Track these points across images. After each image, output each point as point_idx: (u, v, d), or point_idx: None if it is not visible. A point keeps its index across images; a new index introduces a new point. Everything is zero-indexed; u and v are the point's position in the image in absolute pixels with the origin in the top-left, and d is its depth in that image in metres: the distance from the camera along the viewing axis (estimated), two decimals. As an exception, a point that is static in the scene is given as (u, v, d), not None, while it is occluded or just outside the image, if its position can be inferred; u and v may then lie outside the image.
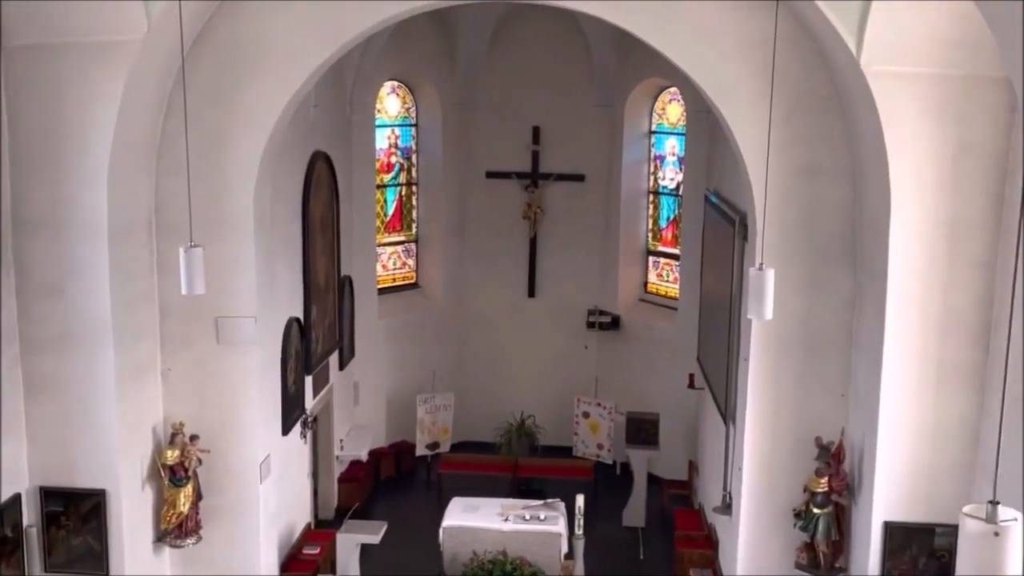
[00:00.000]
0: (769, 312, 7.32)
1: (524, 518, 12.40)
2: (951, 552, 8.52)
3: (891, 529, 9.03)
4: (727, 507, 10.99)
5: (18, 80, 8.79)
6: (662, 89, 15.94)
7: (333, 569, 11.92)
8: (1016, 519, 3.56)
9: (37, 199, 9.01)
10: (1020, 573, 3.62)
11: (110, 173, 8.95)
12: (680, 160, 15.82)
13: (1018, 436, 6.70)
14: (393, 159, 16.40)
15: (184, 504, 10.03)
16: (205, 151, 9.72)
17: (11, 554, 9.06)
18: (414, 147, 16.62)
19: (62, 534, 9.52)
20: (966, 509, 3.64)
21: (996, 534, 3.54)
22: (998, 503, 3.60)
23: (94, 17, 8.56)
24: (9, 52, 8.72)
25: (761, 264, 7.19)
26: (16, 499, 9.15)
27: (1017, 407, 6.99)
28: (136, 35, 8.62)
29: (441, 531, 12.37)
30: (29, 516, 9.37)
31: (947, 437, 8.85)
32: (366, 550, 12.12)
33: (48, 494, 9.44)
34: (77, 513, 9.47)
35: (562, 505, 12.80)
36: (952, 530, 3.64)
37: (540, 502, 12.88)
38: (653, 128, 16.27)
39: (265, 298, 10.56)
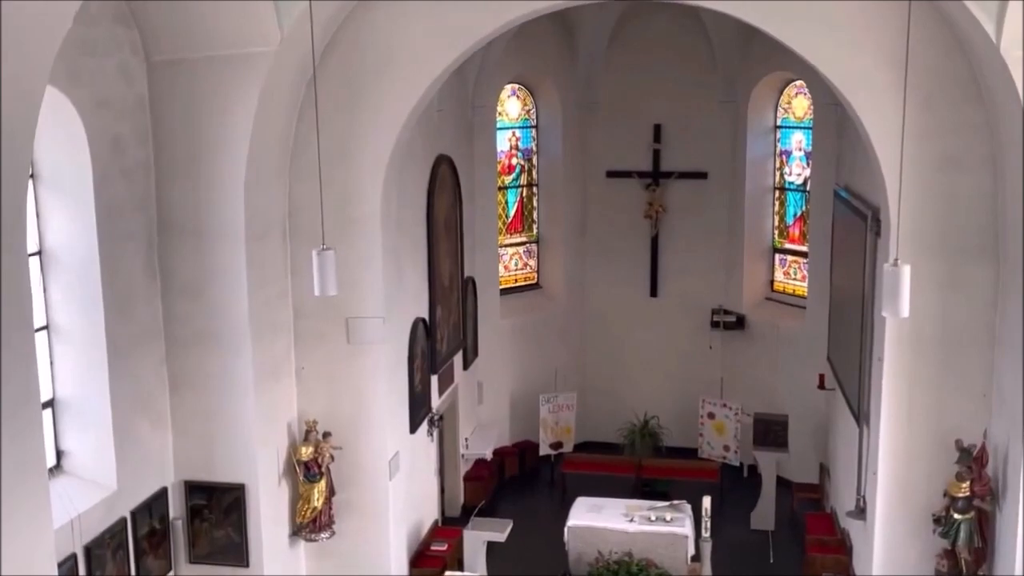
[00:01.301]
0: (905, 310, 7.06)
1: (650, 519, 12.31)
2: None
3: (1039, 536, 8.59)
4: (861, 512, 10.66)
5: (161, 93, 9.25)
6: (788, 82, 15.56)
7: (461, 566, 12.09)
8: None
9: (179, 206, 9.46)
10: None
11: (247, 179, 9.34)
12: (807, 155, 15.42)
13: None
14: (514, 160, 16.53)
15: (318, 499, 10.35)
16: (335, 156, 10.04)
17: (158, 546, 9.54)
18: (534, 148, 16.71)
19: (205, 526, 9.95)
20: None
21: None
22: None
23: (231, 31, 8.94)
24: (152, 67, 9.19)
25: (896, 260, 6.95)
26: (163, 492, 9.64)
27: None
28: (270, 47, 8.96)
29: (566, 530, 12.39)
30: (175, 509, 9.84)
31: (1101, 440, 8.37)
32: (492, 548, 12.26)
33: (192, 488, 9.89)
34: (219, 506, 9.89)
35: (688, 507, 12.64)
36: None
37: (666, 503, 12.75)
38: (779, 123, 15.90)
39: (392, 298, 10.82)
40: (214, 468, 9.85)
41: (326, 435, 10.39)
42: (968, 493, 9.22)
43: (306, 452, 10.26)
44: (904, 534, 9.91)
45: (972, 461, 9.27)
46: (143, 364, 9.34)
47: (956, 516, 9.30)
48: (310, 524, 10.43)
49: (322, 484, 10.36)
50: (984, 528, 9.33)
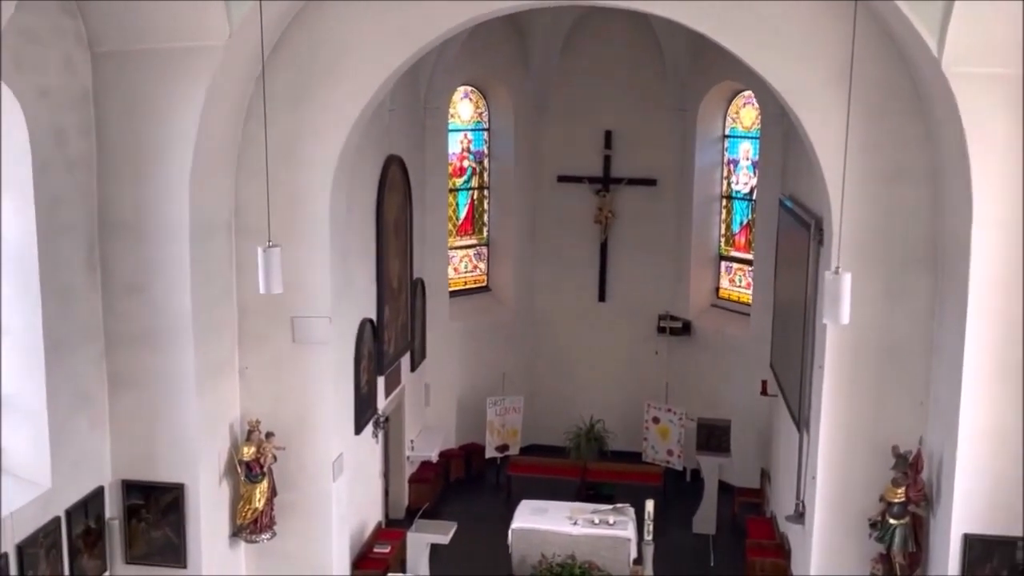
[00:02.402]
0: (846, 317, 7.19)
1: (593, 522, 12.37)
2: (1034, 567, 8.28)
3: (971, 541, 8.79)
4: (800, 516, 10.81)
5: (106, 85, 9.09)
6: (736, 93, 15.77)
7: (403, 568, 12.03)
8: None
9: (122, 201, 9.31)
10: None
11: (192, 176, 9.21)
12: (754, 164, 15.63)
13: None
14: (465, 163, 16.53)
15: (259, 500, 10.24)
16: (283, 154, 9.95)
17: (93, 545, 9.36)
18: (486, 151, 16.72)
19: (142, 527, 9.80)
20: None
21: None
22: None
23: (178, 24, 8.81)
24: (96, 58, 9.03)
25: (838, 268, 7.08)
26: (99, 491, 9.46)
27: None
28: (218, 41, 8.86)
29: (510, 533, 12.40)
30: (111, 508, 9.67)
31: (1031, 448, 8.60)
32: (436, 550, 12.23)
33: (130, 487, 9.73)
34: (157, 506, 9.74)
35: (631, 510, 12.73)
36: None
37: (609, 507, 12.83)
38: (727, 132, 16.10)
39: (339, 298, 10.75)
40: (153, 467, 9.70)
41: (269, 435, 10.29)
42: (903, 498, 9.40)
43: (248, 452, 10.15)
44: (841, 538, 10.08)
45: (908, 467, 9.46)
46: (82, 361, 9.17)
47: (892, 521, 9.48)
48: (251, 525, 10.32)
49: (264, 484, 10.26)
50: (919, 533, 9.53)
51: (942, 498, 9.13)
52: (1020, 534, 8.62)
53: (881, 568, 9.69)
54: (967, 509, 8.79)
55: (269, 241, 7.55)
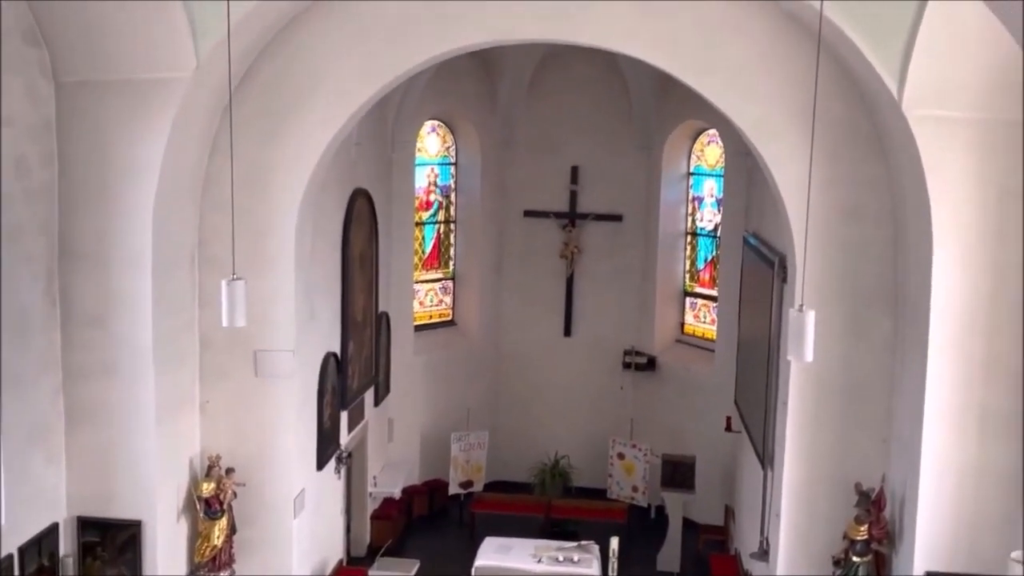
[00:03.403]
0: (810, 354, 7.23)
1: (557, 559, 12.27)
2: (996, 604, 8.31)
3: (933, 579, 8.83)
4: (764, 553, 10.81)
5: (69, 115, 9.01)
6: (701, 131, 15.96)
7: (364, 607, 11.87)
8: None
9: (84, 232, 9.19)
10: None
11: (156, 207, 9.13)
12: (719, 201, 15.79)
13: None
14: (432, 197, 16.53)
15: (218, 537, 10.06)
16: (249, 187, 9.90)
17: (47, 583, 9.13)
18: (453, 185, 16.75)
19: (98, 565, 9.56)
20: (1015, 555, 3.54)
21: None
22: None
23: (144, 54, 8.78)
24: (61, 87, 8.95)
25: (801, 305, 7.13)
26: (53, 528, 9.22)
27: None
28: (185, 73, 8.82)
29: (473, 571, 12.26)
30: (66, 546, 9.43)
31: (991, 485, 8.68)
32: (398, 588, 12.08)
33: (85, 524, 9.50)
34: (113, 544, 9.53)
35: (596, 547, 12.65)
36: (997, 581, 3.58)
37: (573, 544, 12.74)
38: (692, 170, 16.27)
39: (303, 332, 10.66)
40: (110, 504, 9.49)
41: (229, 471, 10.12)
42: (866, 536, 9.43)
43: (207, 488, 9.97)
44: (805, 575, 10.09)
45: (871, 504, 9.50)
46: (38, 394, 8.98)
47: (855, 558, 9.50)
48: (209, 563, 10.12)
49: (223, 521, 10.08)
50: (881, 570, 9.55)
51: (904, 535, 9.17)
52: (982, 572, 8.66)
53: (845, 606, 9.70)
54: (929, 547, 8.83)
55: (233, 274, 7.47)
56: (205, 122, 9.64)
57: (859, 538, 9.45)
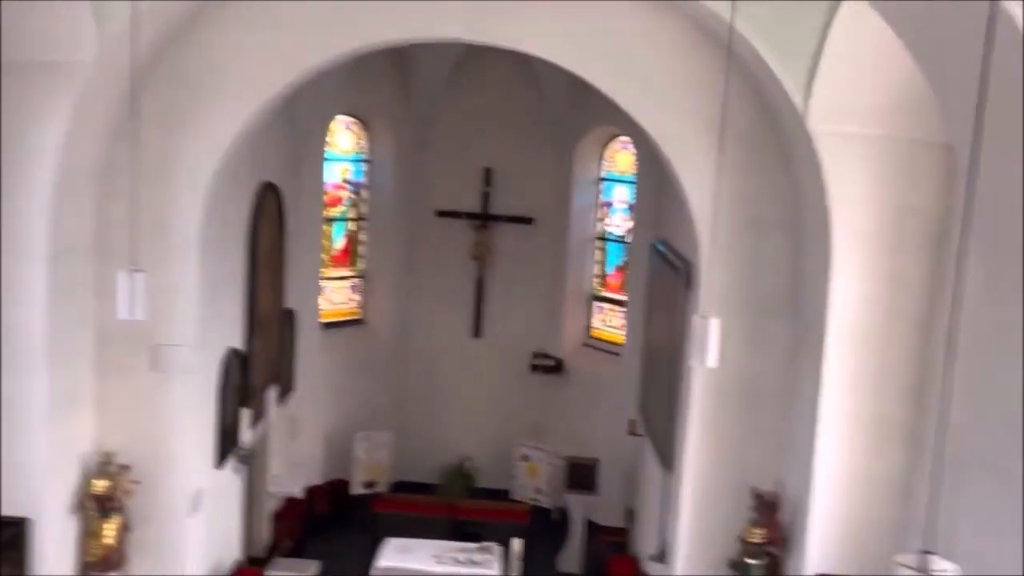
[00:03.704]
0: (713, 360, 7.37)
1: (459, 561, 12.26)
2: (881, 606, 8.58)
3: (824, 582, 9.08)
4: (662, 556, 10.98)
5: (-38, 95, 8.61)
6: (613, 137, 16.14)
7: (262, 608, 11.65)
8: (948, 571, 3.60)
9: (-26, 216, 8.79)
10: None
11: (52, 194, 8.78)
12: (629, 207, 15.99)
13: (949, 492, 6.81)
14: (343, 193, 16.34)
15: (111, 536, 9.74)
16: (152, 177, 9.59)
17: (-77, 584, 8.72)
18: (365, 182, 16.58)
19: (-21, 563, 9.18)
20: (898, 557, 3.67)
21: (926, 587, 3.58)
22: (932, 552, 3.64)
23: (44, 35, 8.43)
24: (-46, 67, 8.55)
25: (705, 312, 7.27)
26: (-68, 526, 8.82)
27: (949, 465, 7.11)
28: (87, 56, 8.51)
29: (373, 572, 12.16)
30: (-55, 544, 9.03)
31: (880, 491, 8.97)
32: (296, 589, 11.88)
33: (-34, 521, 9.11)
34: (-4, 542, 9.15)
35: (497, 549, 12.68)
36: (883, 584, 3.73)
37: (475, 545, 12.75)
38: (603, 175, 16.45)
39: (205, 327, 10.40)
40: (-6, 501, 9.11)
41: (124, 468, 9.82)
42: (761, 539, 9.66)
43: (101, 485, 9.65)
44: (702, 578, 10.27)
45: (766, 508, 9.73)
46: (-81, 385, 8.57)
47: (749, 561, 9.71)
48: (101, 562, 9.78)
49: (117, 520, 9.77)
50: (776, 572, 9.78)
51: (798, 539, 9.41)
52: (869, 573, 8.95)
53: (740, 607, 9.90)
54: (822, 549, 9.08)
55: (133, 264, 7.25)
56: (107, 108, 9.31)
57: (754, 541, 9.67)
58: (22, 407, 9.00)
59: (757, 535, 9.64)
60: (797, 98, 8.56)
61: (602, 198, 16.51)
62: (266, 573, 11.76)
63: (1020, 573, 5.61)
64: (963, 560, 6.21)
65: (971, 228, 4.33)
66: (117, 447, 9.90)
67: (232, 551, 12.66)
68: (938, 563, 3.56)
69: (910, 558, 3.61)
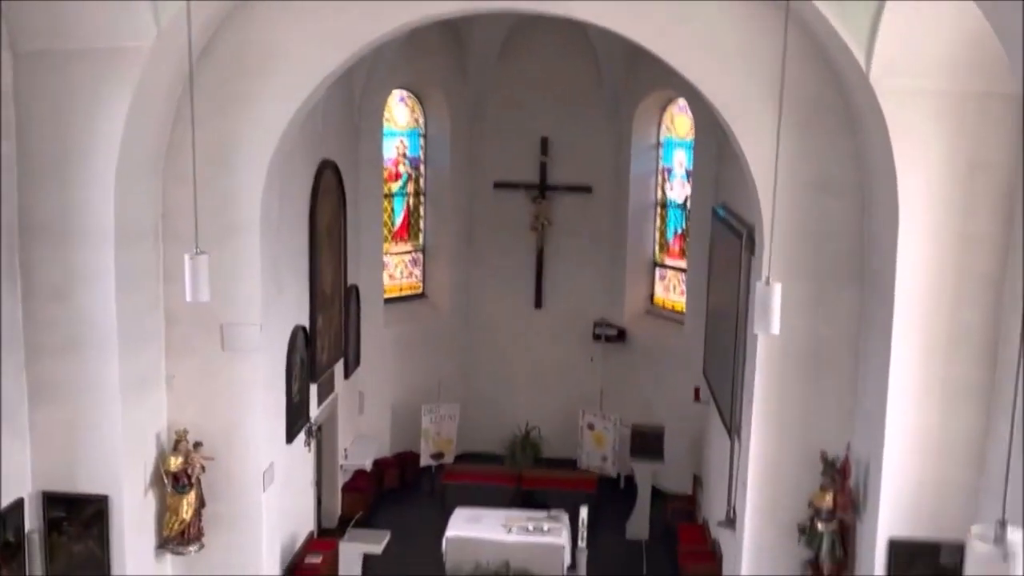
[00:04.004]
0: (776, 327, 7.26)
1: (527, 529, 12.37)
2: (956, 570, 8.44)
3: (896, 546, 8.96)
4: (731, 522, 10.93)
5: (27, 86, 8.81)
6: (671, 101, 15.92)
7: (335, 579, 11.89)
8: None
9: (44, 204, 9.03)
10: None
11: (117, 179, 8.97)
12: (688, 173, 15.80)
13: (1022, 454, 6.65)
14: (401, 168, 16.41)
15: (187, 511, 10.02)
16: (213, 158, 9.75)
17: (12, 559, 9.04)
18: (422, 157, 16.63)
19: (64, 540, 9.50)
20: (974, 530, 3.59)
21: (1005, 558, 3.50)
22: (1007, 523, 3.55)
23: (104, 23, 8.59)
24: (19, 58, 8.75)
25: (768, 278, 7.15)
26: (19, 504, 9.13)
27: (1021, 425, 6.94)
28: (145, 41, 8.65)
29: (444, 541, 12.34)
30: (31, 521, 9.35)
31: (952, 454, 8.80)
32: (369, 560, 12.08)
33: (51, 499, 9.42)
34: (79, 519, 9.46)
35: (565, 517, 12.75)
36: (957, 548, 3.60)
37: (543, 513, 12.83)
38: (661, 140, 16.25)
39: (271, 306, 10.58)
40: (76, 479, 9.41)
41: (197, 445, 10.07)
42: (831, 504, 9.56)
43: (175, 462, 9.92)
44: (771, 543, 10.20)
45: (835, 473, 9.62)
46: (1, 371, 8.84)
47: (820, 526, 9.63)
48: (178, 537, 10.09)
49: (191, 495, 10.03)
50: (846, 537, 9.69)
51: (868, 504, 9.29)
52: (943, 538, 8.81)
53: (810, 573, 9.83)
54: (892, 514, 8.96)
55: (197, 247, 7.37)
56: (167, 92, 9.47)
57: (824, 506, 9.58)
58: (98, 389, 9.28)
59: (827, 500, 9.55)
60: (860, 54, 8.33)
61: (661, 164, 16.32)
62: (339, 543, 11.98)
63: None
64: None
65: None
66: (190, 425, 10.15)
67: (306, 523, 12.94)
68: (1015, 533, 3.47)
69: (986, 529, 3.52)
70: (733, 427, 11.14)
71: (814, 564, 9.76)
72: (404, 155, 16.40)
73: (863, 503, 9.46)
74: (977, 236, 8.50)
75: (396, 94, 16.00)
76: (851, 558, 9.72)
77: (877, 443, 9.01)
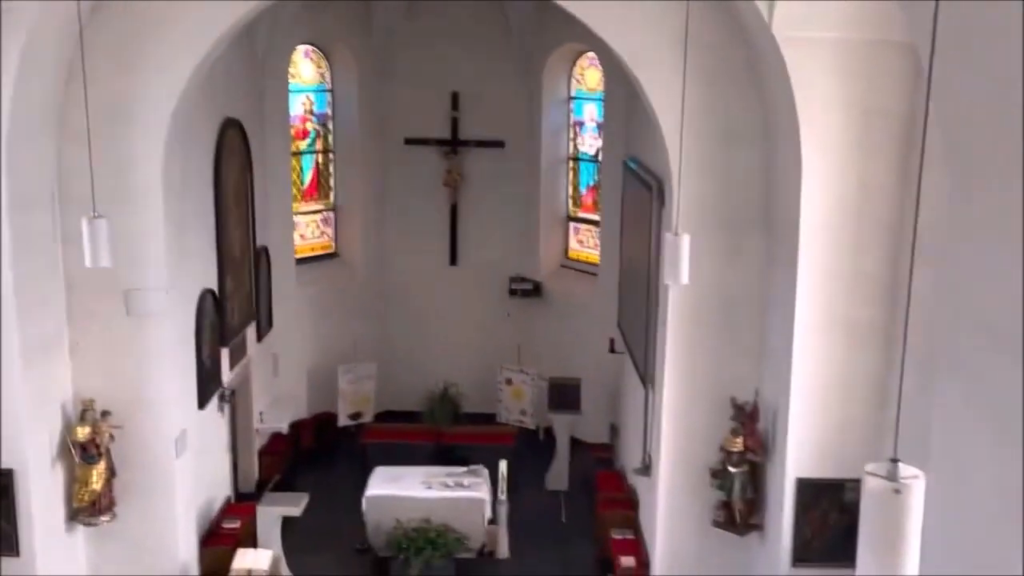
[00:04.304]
0: (685, 277, 7.41)
1: (447, 485, 12.43)
2: (859, 507, 8.77)
3: (803, 485, 9.27)
4: (647, 469, 11.16)
5: (-95, 44, 8.34)
6: (580, 54, 15.91)
7: (255, 543, 11.78)
8: (917, 476, 3.65)
9: (-70, 169, 8.60)
10: (920, 529, 3.72)
11: (7, 141, 8.58)
12: (599, 126, 15.85)
13: (920, 393, 6.91)
14: (308, 126, 16.09)
15: (97, 482, 9.79)
16: (110, 118, 9.42)
17: (-87, 538, 8.75)
18: (330, 113, 16.33)
19: (-33, 515, 9.22)
20: (868, 467, 3.72)
21: (897, 492, 3.64)
22: (898, 460, 3.69)
23: (-15, -23, 8.15)
24: None
25: (677, 229, 7.26)
26: (-83, 482, 8.82)
27: (920, 365, 7.21)
28: (31, -3, 8.24)
29: (364, 501, 12.33)
30: (-68, 499, 9.05)
31: (856, 395, 9.11)
32: (288, 523, 12.01)
33: (-49, 476, 9.12)
34: (-17, 494, 9.17)
35: (485, 471, 12.85)
36: (859, 485, 3.75)
37: (463, 469, 12.91)
38: (572, 94, 16.25)
39: (176, 269, 10.32)
40: (-23, 454, 9.11)
41: (105, 414, 9.82)
42: (742, 448, 9.83)
43: (82, 433, 9.66)
44: (685, 488, 10.46)
45: (745, 417, 9.88)
46: None
47: (731, 469, 9.90)
48: (89, 508, 9.86)
49: (101, 465, 9.80)
50: (756, 480, 9.99)
51: (777, 446, 9.58)
52: (848, 477, 9.14)
53: (722, 515, 10.12)
54: (799, 455, 9.26)
55: (95, 211, 7.14)
56: (58, 50, 9.06)
57: (735, 450, 9.84)
58: (-4, 359, 8.95)
59: (737, 444, 9.82)
60: (762, 5, 8.42)
61: (573, 117, 16.34)
62: (257, 507, 11.87)
63: (989, 474, 5.72)
64: (934, 463, 6.33)
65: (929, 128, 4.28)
66: (97, 394, 9.89)
67: (222, 489, 12.78)
68: (906, 470, 3.61)
69: (879, 466, 3.66)
70: (647, 377, 11.33)
71: (726, 505, 10.05)
72: (311, 112, 16.08)
73: (772, 445, 9.75)
74: (876, 182, 8.74)
75: (301, 49, 15.64)
76: (761, 498, 10.03)
77: (784, 387, 9.27)
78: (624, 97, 14.44)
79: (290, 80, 15.31)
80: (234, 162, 12.85)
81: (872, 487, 3.65)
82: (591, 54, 15.62)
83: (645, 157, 12.39)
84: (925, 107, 3.93)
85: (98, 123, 8.76)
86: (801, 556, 9.43)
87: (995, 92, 4.97)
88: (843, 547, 9.16)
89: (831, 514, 9.30)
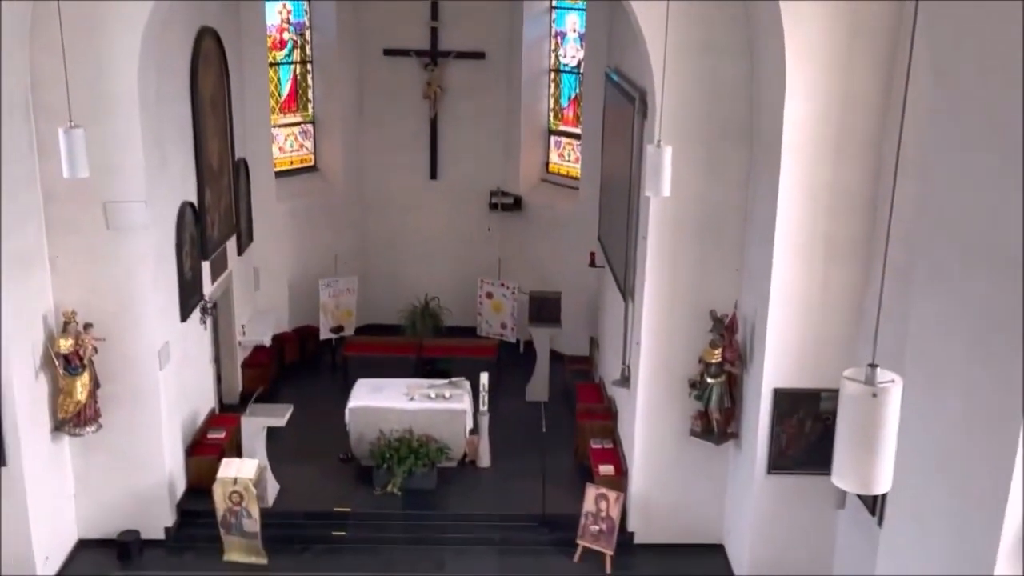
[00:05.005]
0: (667, 189, 7.43)
1: (429, 397, 12.59)
2: (835, 415, 8.99)
3: (779, 395, 9.48)
4: (626, 380, 11.34)
5: None
6: (563, -37, 15.60)
7: (240, 453, 11.94)
8: (894, 381, 3.75)
9: (-101, 77, 8.43)
10: (896, 432, 3.84)
11: (-22, 49, 8.41)
12: (581, 37, 15.63)
13: (899, 304, 7.03)
14: (286, 36, 15.78)
15: (81, 393, 9.88)
16: (83, 25, 9.22)
17: (-100, 449, 8.82)
18: (307, 23, 16.00)
19: (-47, 427, 9.28)
20: (846, 372, 3.82)
21: (874, 395, 3.74)
22: (876, 366, 3.78)
23: None
24: None
25: (659, 141, 7.24)
26: (-99, 393, 8.86)
27: (898, 276, 7.33)
28: None
29: (347, 412, 12.48)
30: (-84, 410, 9.09)
31: (833, 307, 9.25)
32: (272, 433, 12.15)
33: (-65, 387, 9.15)
34: (-32, 406, 9.23)
35: (467, 383, 13.01)
36: (836, 394, 3.88)
37: (445, 381, 13.07)
38: (554, 3, 15.97)
39: (155, 182, 10.24)
40: (-40, 366, 9.14)
41: (87, 326, 9.85)
42: (720, 359, 10.00)
43: (65, 344, 9.70)
44: (663, 398, 10.67)
45: (724, 330, 10.02)
46: None
47: (709, 380, 10.10)
48: (74, 418, 9.97)
49: (85, 377, 9.88)
50: (734, 390, 10.19)
51: (754, 357, 9.76)
52: (823, 387, 9.34)
53: (700, 424, 10.35)
54: (776, 366, 9.44)
55: (71, 121, 7.03)
56: (26, -46, 8.81)
57: (713, 361, 10.01)
58: (-25, 271, 8.91)
59: (716, 355, 9.98)
60: (749, -88, 8.28)
61: (554, 28, 16.09)
62: (242, 418, 12.00)
63: (963, 379, 5.87)
64: (910, 370, 6.47)
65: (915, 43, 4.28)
66: (78, 306, 9.90)
67: (206, 401, 12.90)
68: (883, 375, 3.71)
69: (857, 372, 3.75)
70: (627, 290, 11.43)
71: (703, 415, 10.27)
72: (288, 21, 15.75)
73: (750, 356, 9.92)
74: (858, 97, 8.72)
75: (277, -44, 15.24)
76: (738, 408, 10.25)
77: (763, 299, 9.40)
78: (607, 6, 14.21)
79: (266, -12, 14.96)
80: (211, 72, 12.63)
81: (850, 391, 3.75)
82: (574, -38, 15.32)
83: (628, 69, 12.26)
84: (912, 23, 3.92)
85: (70, 32, 8.55)
86: (776, 464, 9.70)
87: (981, 7, 4.96)
88: (818, 455, 9.43)
89: (806, 422, 9.53)
